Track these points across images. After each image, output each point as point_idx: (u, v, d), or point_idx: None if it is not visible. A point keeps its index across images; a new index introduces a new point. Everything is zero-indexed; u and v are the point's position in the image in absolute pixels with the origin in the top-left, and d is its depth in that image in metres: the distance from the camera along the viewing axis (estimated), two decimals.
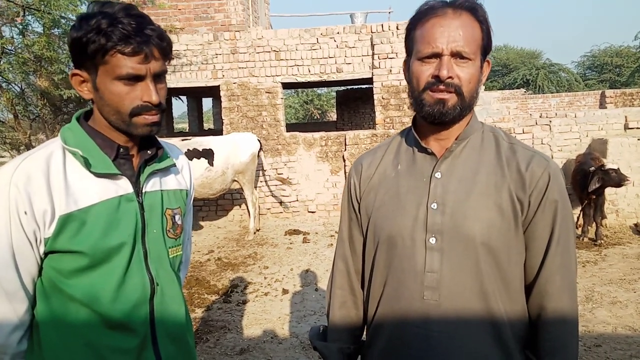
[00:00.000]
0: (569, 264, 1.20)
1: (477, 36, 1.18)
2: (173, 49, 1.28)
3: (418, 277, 1.19)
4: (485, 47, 1.21)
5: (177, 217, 1.37)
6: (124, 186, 1.26)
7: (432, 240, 1.19)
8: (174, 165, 1.41)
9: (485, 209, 1.18)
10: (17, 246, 1.15)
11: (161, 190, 1.35)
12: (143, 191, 1.30)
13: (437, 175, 1.23)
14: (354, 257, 1.40)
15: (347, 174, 8.23)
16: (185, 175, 1.48)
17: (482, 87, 1.31)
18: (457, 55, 1.15)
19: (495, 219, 1.17)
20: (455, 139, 1.24)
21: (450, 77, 1.15)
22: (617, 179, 5.80)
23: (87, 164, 1.21)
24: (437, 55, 1.16)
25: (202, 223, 8.29)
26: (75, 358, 1.20)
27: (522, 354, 1.21)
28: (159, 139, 1.41)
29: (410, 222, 1.22)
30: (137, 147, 1.32)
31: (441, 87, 1.16)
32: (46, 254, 1.19)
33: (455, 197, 1.20)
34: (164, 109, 1.25)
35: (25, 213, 1.13)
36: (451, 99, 1.17)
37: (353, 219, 1.39)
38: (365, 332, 1.39)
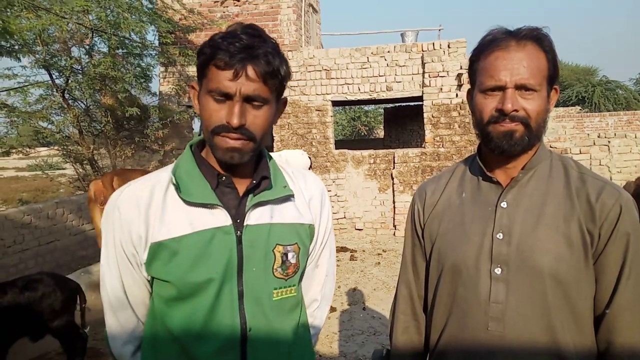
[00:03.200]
0: None
1: (542, 66, 1.17)
2: (285, 77, 1.15)
3: (482, 307, 1.19)
4: (552, 76, 1.19)
5: (290, 254, 1.21)
6: (221, 218, 1.16)
7: (498, 271, 1.19)
8: (292, 195, 1.26)
9: (553, 241, 1.16)
10: (122, 265, 1.18)
11: (270, 224, 1.20)
12: (245, 224, 1.17)
13: (503, 204, 1.22)
14: (417, 282, 1.41)
15: (394, 192, 8.19)
16: (314, 207, 1.30)
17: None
18: (521, 87, 1.15)
19: (564, 251, 1.16)
20: (522, 168, 1.23)
21: (515, 110, 1.15)
22: None
23: (178, 192, 1.16)
24: (501, 88, 1.16)
25: None
26: None
27: None
28: (287, 167, 1.32)
29: (475, 252, 1.22)
30: (243, 175, 1.21)
31: (506, 120, 1.16)
32: (152, 277, 1.19)
33: (522, 228, 1.19)
34: (255, 139, 1.14)
35: (125, 236, 1.15)
36: (519, 130, 1.16)
37: (417, 245, 1.40)
38: (428, 358, 1.40)
